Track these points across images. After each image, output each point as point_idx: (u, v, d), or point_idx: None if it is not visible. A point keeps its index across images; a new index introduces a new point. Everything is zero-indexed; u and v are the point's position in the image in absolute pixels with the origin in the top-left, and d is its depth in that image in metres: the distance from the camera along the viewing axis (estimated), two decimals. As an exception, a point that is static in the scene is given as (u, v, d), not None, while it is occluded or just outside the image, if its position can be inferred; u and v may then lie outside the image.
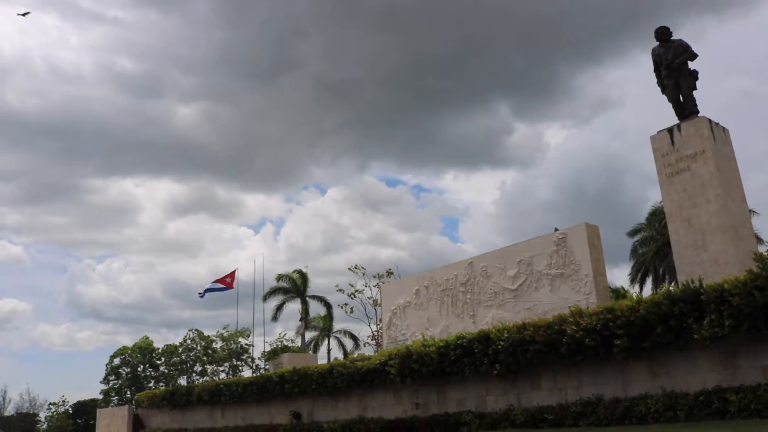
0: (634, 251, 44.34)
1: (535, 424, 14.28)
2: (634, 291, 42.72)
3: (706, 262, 17.95)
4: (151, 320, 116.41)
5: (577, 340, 13.44)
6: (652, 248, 41.51)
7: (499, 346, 15.06)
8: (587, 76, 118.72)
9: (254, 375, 26.60)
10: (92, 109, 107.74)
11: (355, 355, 47.03)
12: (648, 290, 42.23)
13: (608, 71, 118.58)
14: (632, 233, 44.50)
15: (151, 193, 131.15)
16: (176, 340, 54.08)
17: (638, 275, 43.84)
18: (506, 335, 15.03)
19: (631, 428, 12.11)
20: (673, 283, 40.34)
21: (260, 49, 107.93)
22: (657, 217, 42.50)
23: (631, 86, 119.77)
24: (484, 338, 15.63)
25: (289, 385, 22.21)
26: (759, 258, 10.82)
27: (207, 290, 43.21)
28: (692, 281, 12.16)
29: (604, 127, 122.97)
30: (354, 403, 20.52)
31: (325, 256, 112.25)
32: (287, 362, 35.02)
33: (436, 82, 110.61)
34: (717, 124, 19.05)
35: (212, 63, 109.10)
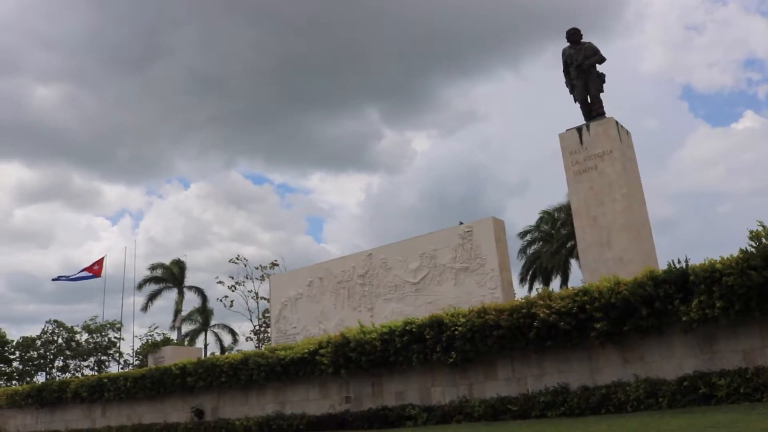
0: (522, 251, 45.62)
1: (495, 417, 13.07)
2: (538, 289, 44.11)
3: (610, 260, 17.90)
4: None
5: (548, 325, 12.49)
6: (548, 248, 42.68)
7: (456, 333, 13.82)
8: (456, 89, 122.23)
9: (147, 368, 23.77)
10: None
11: (234, 351, 44.39)
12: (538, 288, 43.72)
13: (476, 86, 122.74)
14: (523, 234, 45.88)
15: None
16: (18, 336, 48.15)
17: (528, 274, 45.20)
18: (462, 320, 13.82)
19: (609, 418, 11.25)
20: (561, 282, 41.74)
21: (131, 34, 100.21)
22: (551, 217, 43.88)
23: (496, 102, 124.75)
24: (437, 324, 14.31)
25: (192, 379, 19.68)
26: (755, 237, 10.36)
27: (71, 278, 39.00)
28: (678, 261, 11.56)
29: (469, 139, 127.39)
30: (270, 398, 18.49)
31: (185, 251, 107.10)
32: (169, 355, 32.26)
33: (308, 82, 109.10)
34: (622, 126, 19.17)
35: (78, 44, 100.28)
